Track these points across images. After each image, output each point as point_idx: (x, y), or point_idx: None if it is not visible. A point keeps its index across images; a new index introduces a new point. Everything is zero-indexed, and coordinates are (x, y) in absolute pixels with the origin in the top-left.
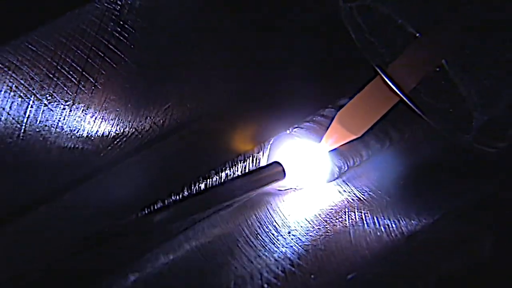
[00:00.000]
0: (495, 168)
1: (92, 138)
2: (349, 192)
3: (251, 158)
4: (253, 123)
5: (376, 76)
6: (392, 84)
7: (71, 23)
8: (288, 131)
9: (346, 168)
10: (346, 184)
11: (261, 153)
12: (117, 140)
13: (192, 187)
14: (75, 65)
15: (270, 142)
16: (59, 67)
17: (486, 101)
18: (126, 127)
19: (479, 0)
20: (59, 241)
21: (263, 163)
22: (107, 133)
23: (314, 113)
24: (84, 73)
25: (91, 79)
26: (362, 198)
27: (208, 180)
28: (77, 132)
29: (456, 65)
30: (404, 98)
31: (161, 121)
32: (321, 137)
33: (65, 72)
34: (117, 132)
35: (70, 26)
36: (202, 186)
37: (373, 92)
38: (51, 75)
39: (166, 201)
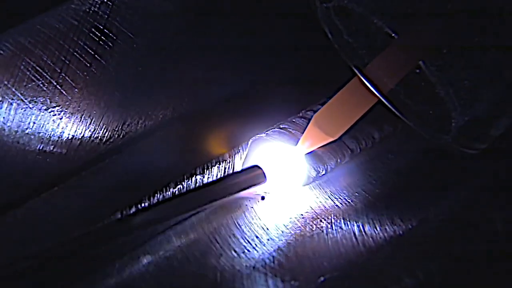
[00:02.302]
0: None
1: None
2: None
3: (227, 160)
4: (229, 125)
5: (353, 77)
6: (370, 85)
7: (83, 6)
8: (265, 134)
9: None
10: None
11: (237, 155)
12: (127, 123)
13: (170, 189)
14: (87, 47)
15: (247, 145)
16: (71, 50)
17: (465, 102)
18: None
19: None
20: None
21: (239, 165)
22: (117, 119)
23: (291, 115)
24: (96, 55)
25: (103, 62)
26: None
27: (185, 182)
28: (89, 116)
29: (433, 65)
30: (383, 99)
31: (161, 115)
32: (298, 140)
33: (77, 55)
34: (128, 117)
35: (82, 9)
36: (181, 187)
37: (351, 93)
38: (63, 58)
39: (141, 205)
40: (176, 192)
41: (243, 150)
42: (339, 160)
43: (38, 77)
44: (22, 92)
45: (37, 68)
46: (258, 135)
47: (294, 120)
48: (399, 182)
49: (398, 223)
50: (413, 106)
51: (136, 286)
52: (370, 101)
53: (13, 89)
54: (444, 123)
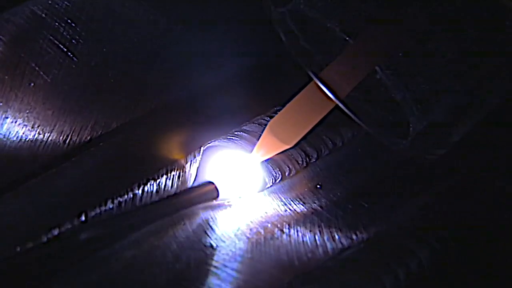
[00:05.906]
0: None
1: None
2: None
3: (180, 168)
4: (182, 132)
5: (309, 82)
6: (327, 89)
7: None
8: (219, 141)
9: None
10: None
11: (190, 163)
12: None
13: (120, 199)
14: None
15: (200, 152)
16: (84, 19)
17: (422, 107)
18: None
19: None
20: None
21: (192, 173)
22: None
23: (245, 122)
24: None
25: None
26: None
27: (138, 190)
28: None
29: (389, 69)
30: (340, 104)
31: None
32: (253, 147)
33: (91, 26)
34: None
35: None
36: (131, 197)
37: (307, 99)
38: (79, 29)
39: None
40: (128, 203)
41: (196, 158)
42: (298, 165)
43: (55, 50)
44: (38, 64)
45: (54, 40)
46: (212, 142)
47: (248, 126)
48: (359, 186)
49: (360, 228)
50: (371, 111)
51: (157, 256)
52: (326, 107)
53: (29, 61)
54: (401, 128)
